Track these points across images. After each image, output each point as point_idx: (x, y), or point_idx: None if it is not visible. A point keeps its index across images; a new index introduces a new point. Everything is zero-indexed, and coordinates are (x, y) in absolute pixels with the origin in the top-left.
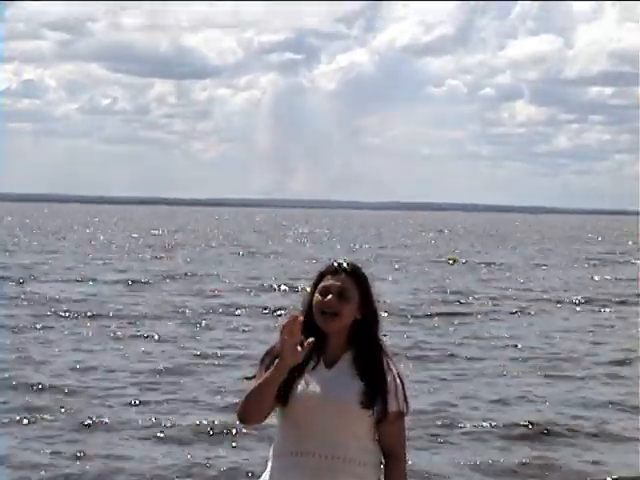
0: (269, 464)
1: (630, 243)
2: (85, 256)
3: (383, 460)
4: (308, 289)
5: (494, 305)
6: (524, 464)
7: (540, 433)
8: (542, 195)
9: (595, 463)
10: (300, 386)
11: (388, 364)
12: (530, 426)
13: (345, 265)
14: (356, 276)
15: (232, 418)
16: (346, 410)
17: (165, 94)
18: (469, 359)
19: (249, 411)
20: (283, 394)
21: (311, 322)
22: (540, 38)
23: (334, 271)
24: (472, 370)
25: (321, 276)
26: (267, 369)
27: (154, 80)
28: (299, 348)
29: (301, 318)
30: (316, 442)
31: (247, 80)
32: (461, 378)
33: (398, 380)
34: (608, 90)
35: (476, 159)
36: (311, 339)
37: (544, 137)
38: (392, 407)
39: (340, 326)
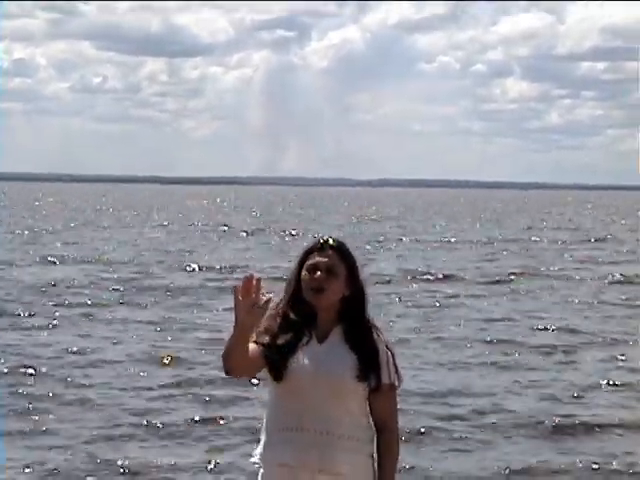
0: (262, 439)
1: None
2: (70, 236)
3: (376, 434)
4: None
5: (485, 283)
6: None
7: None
8: (534, 171)
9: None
10: (293, 362)
11: (378, 336)
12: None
13: (331, 241)
14: (342, 252)
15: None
16: (339, 384)
17: (156, 72)
18: (461, 340)
19: (227, 366)
20: (277, 371)
21: (299, 299)
22: (532, 14)
23: (320, 248)
24: (464, 356)
25: (307, 253)
26: (258, 334)
27: (145, 58)
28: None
29: (257, 277)
30: (310, 418)
31: (239, 58)
32: (454, 365)
33: (389, 352)
34: (600, 65)
35: (468, 135)
36: (269, 295)
37: (536, 113)
38: (384, 379)
39: (330, 302)
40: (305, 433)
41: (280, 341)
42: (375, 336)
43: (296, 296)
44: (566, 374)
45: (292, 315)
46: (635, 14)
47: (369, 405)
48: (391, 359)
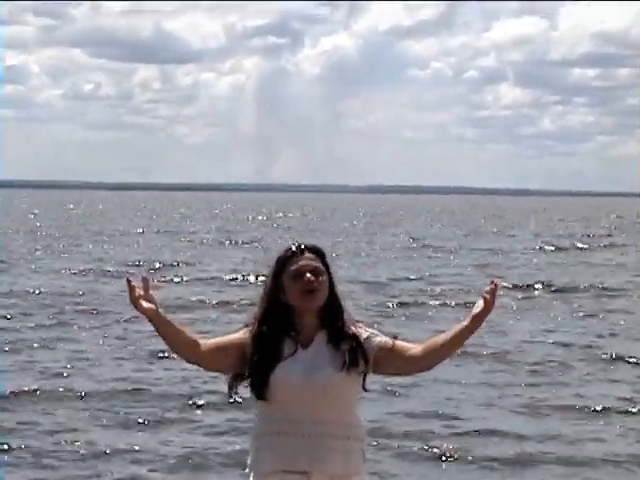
0: (251, 447)
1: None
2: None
3: (421, 353)
4: (263, 278)
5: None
6: None
7: None
8: (527, 177)
9: None
10: (278, 374)
11: (355, 326)
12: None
13: (306, 245)
14: (320, 253)
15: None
16: (327, 383)
17: (149, 79)
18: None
19: (181, 356)
20: (259, 391)
21: (277, 310)
22: (524, 20)
23: (299, 253)
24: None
25: (283, 262)
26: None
27: (137, 65)
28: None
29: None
30: (299, 423)
31: (231, 64)
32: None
33: (371, 330)
34: (592, 72)
35: (461, 142)
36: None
37: (529, 119)
38: (386, 342)
39: (322, 303)
40: (293, 438)
41: (259, 365)
42: (354, 328)
43: (274, 308)
44: None
45: (269, 332)
46: (627, 21)
47: (390, 366)
48: (377, 331)
